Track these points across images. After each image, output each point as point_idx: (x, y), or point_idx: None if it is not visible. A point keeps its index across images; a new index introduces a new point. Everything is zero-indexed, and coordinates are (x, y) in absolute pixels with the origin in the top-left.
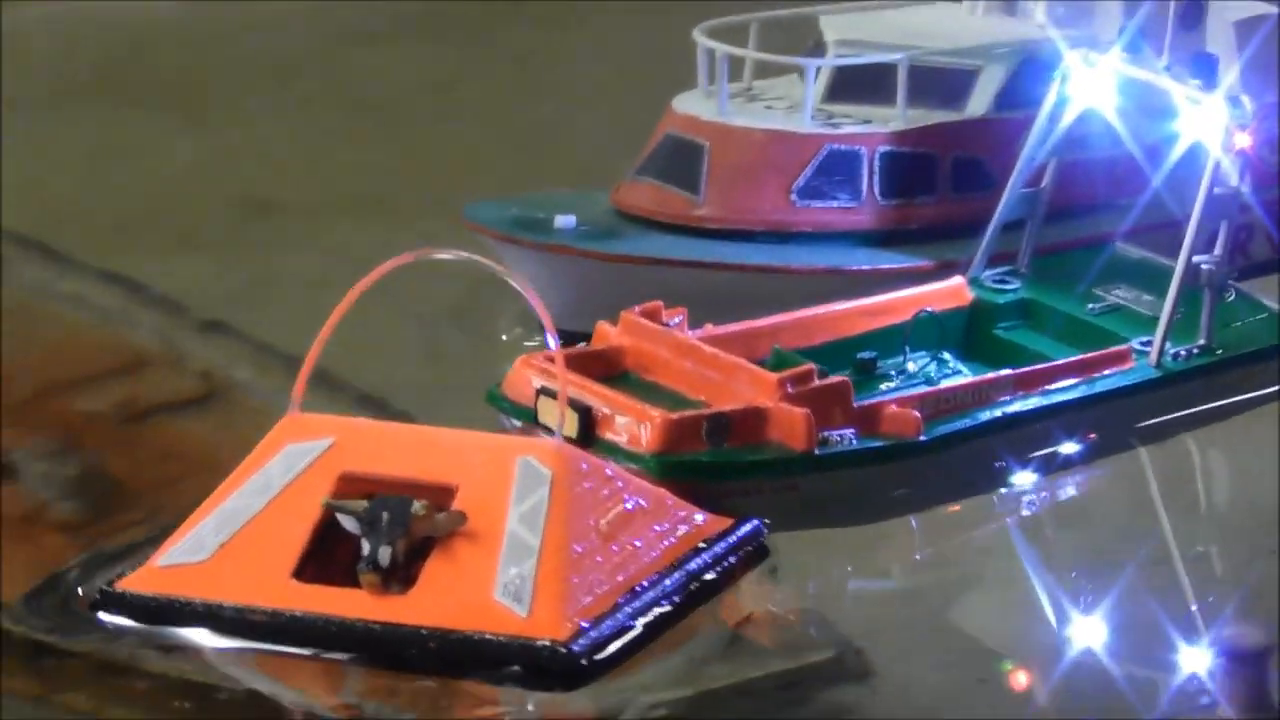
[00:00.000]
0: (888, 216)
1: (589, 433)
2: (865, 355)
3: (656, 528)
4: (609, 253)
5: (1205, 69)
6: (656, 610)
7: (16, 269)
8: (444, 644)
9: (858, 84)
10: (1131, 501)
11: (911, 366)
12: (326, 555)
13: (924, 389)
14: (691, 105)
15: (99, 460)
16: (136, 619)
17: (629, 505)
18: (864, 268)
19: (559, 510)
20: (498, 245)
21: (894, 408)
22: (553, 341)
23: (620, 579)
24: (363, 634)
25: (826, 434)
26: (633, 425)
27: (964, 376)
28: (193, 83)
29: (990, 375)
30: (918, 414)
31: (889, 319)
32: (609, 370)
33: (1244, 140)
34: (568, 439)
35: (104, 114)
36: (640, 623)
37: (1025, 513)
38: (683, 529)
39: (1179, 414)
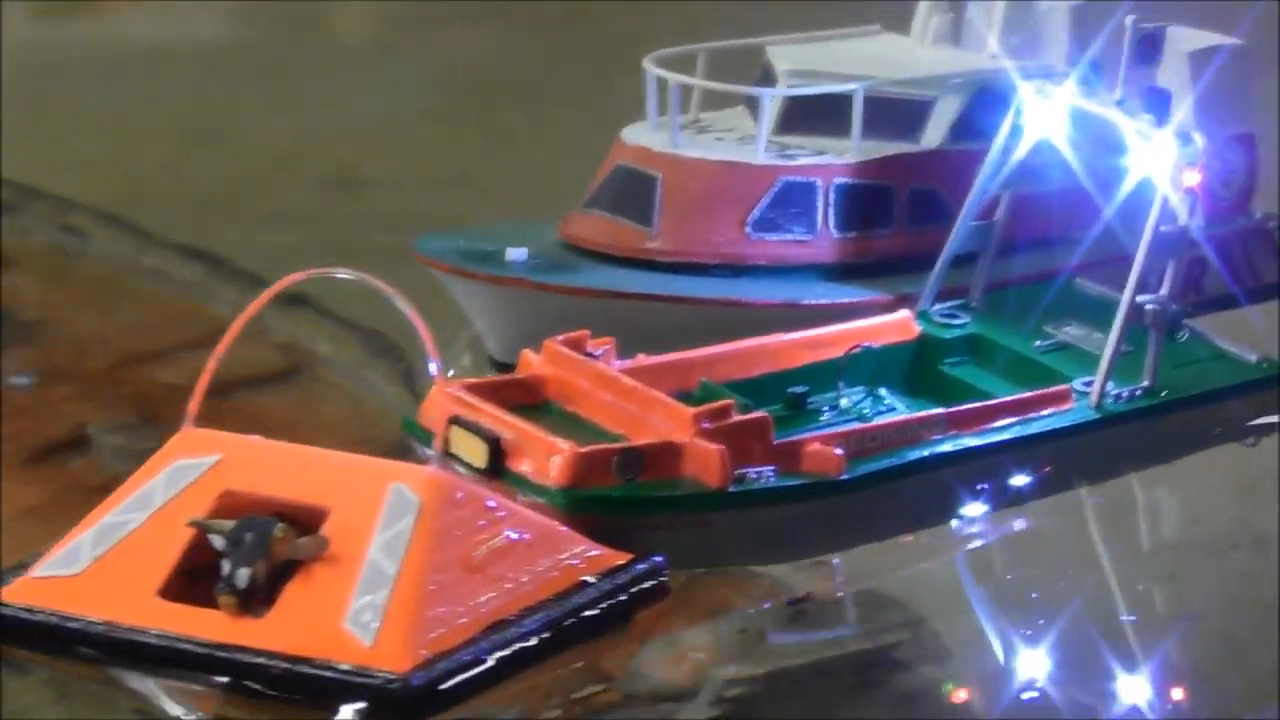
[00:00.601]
0: (843, 249)
1: (498, 464)
2: (796, 390)
3: (540, 561)
4: (561, 285)
5: (1157, 103)
6: (518, 645)
7: (99, 244)
8: (287, 670)
9: (811, 115)
10: (1069, 544)
11: (845, 402)
12: (199, 577)
13: (847, 426)
14: (642, 136)
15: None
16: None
17: (509, 537)
18: (820, 302)
19: (422, 539)
20: (449, 279)
21: (815, 445)
22: (434, 367)
23: (485, 612)
24: (209, 656)
25: (743, 471)
26: (542, 458)
27: (898, 414)
28: (285, 60)
29: (921, 414)
30: (840, 452)
31: (829, 353)
32: (530, 399)
33: (1193, 178)
34: (478, 470)
35: (195, 90)
36: (496, 657)
37: (958, 552)
38: (570, 563)
39: (1120, 457)
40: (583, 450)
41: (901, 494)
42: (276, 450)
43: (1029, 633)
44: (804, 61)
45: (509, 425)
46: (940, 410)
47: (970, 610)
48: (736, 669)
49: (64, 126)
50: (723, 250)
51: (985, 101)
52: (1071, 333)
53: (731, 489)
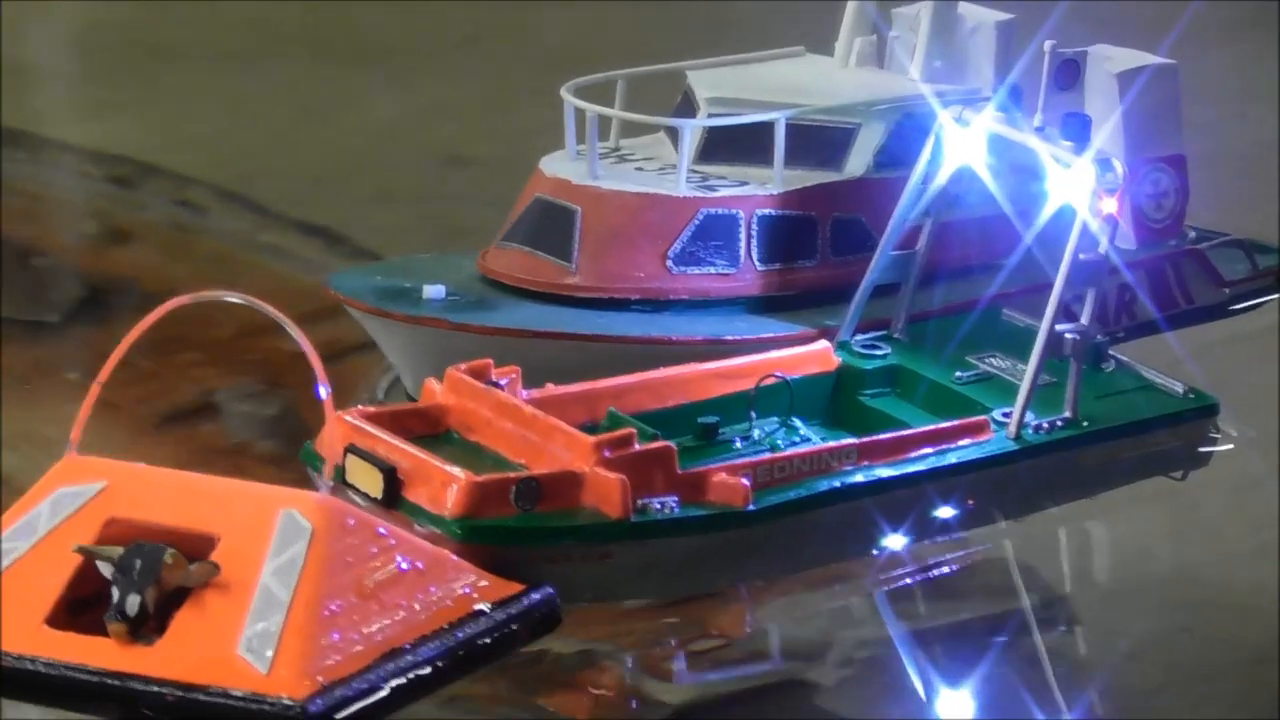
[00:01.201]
0: (767, 282)
1: (394, 494)
2: (706, 420)
3: (431, 590)
4: (479, 325)
5: (1076, 129)
6: (414, 673)
7: (217, 220)
8: (180, 698)
9: (733, 144)
10: (986, 578)
11: (757, 434)
12: (86, 605)
13: (755, 457)
14: (560, 168)
15: (299, 400)
16: None
17: (401, 565)
18: (743, 337)
19: (315, 566)
20: (365, 318)
21: (721, 475)
22: (324, 392)
23: (379, 639)
24: (100, 685)
25: (646, 501)
26: (438, 487)
27: (811, 444)
28: (394, 41)
29: (831, 444)
30: (746, 482)
31: (743, 383)
32: (430, 429)
33: (1111, 205)
34: (374, 500)
35: (307, 70)
36: (391, 685)
37: (870, 589)
38: (462, 592)
39: (1040, 489)
40: (478, 479)
41: (812, 526)
42: (163, 477)
43: None
44: (725, 88)
45: (405, 454)
46: (852, 440)
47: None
48: (863, 631)
49: (182, 103)
50: (644, 285)
51: (909, 128)
52: (996, 364)
53: (633, 519)
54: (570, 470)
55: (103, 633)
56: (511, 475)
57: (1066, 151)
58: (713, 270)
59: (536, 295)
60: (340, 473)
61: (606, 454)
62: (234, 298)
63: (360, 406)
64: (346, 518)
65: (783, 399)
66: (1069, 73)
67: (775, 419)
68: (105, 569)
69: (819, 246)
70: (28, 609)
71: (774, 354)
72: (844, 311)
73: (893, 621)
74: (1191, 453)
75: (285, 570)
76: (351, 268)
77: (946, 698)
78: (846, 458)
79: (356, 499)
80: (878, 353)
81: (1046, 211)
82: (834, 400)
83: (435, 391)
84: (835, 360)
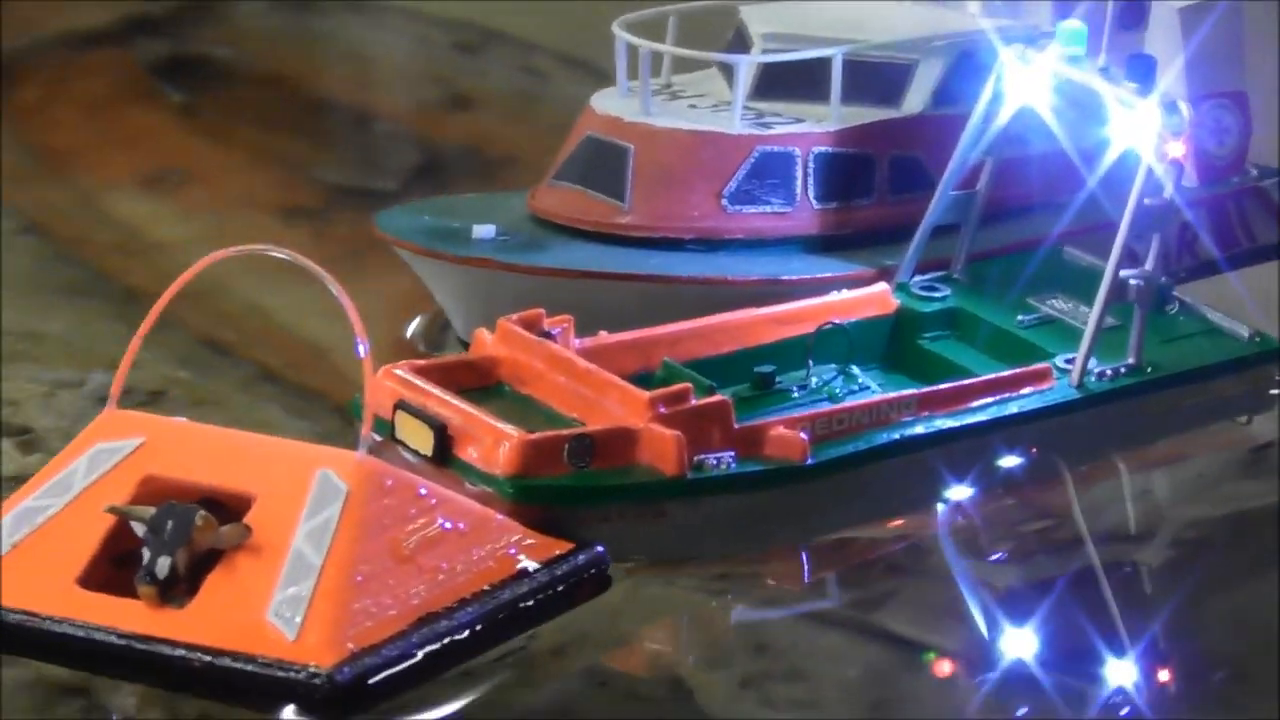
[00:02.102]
0: (824, 221)
1: (445, 451)
2: (763, 369)
3: (474, 551)
4: (532, 265)
5: (1141, 71)
6: (450, 638)
7: (559, 87)
8: (205, 663)
9: (788, 80)
10: (1054, 523)
11: (815, 382)
12: (121, 564)
13: (813, 409)
14: (612, 105)
15: None
16: None
17: (443, 526)
18: (801, 277)
19: (349, 528)
20: (413, 258)
21: (779, 429)
22: (363, 349)
23: (416, 604)
24: (127, 648)
25: (702, 457)
26: (490, 445)
27: (871, 394)
28: None
29: (891, 395)
30: (804, 436)
31: (800, 328)
32: (481, 381)
33: (1177, 149)
34: (424, 457)
35: None
36: (425, 651)
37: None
38: (507, 553)
39: (1103, 438)
40: (531, 437)
41: (871, 479)
42: (201, 433)
43: None
44: (780, 24)
45: (456, 410)
46: (912, 391)
47: None
48: (1194, 512)
49: None
50: (698, 225)
51: (968, 65)
52: (1058, 306)
53: (689, 476)
54: (625, 427)
55: (134, 594)
56: (565, 433)
57: (1131, 93)
58: (768, 209)
59: (589, 235)
60: (389, 428)
61: (662, 410)
62: (278, 253)
63: (409, 360)
64: (385, 478)
65: (840, 345)
66: (1134, 12)
67: (833, 366)
68: (137, 529)
69: (876, 185)
70: (61, 569)
71: (831, 297)
72: (902, 251)
73: (955, 561)
74: (1258, 396)
75: (319, 533)
76: (397, 206)
77: (1011, 634)
78: (906, 408)
79: (407, 456)
80: (937, 295)
81: (1111, 155)
82: (892, 343)
83: (486, 342)
84: (894, 303)
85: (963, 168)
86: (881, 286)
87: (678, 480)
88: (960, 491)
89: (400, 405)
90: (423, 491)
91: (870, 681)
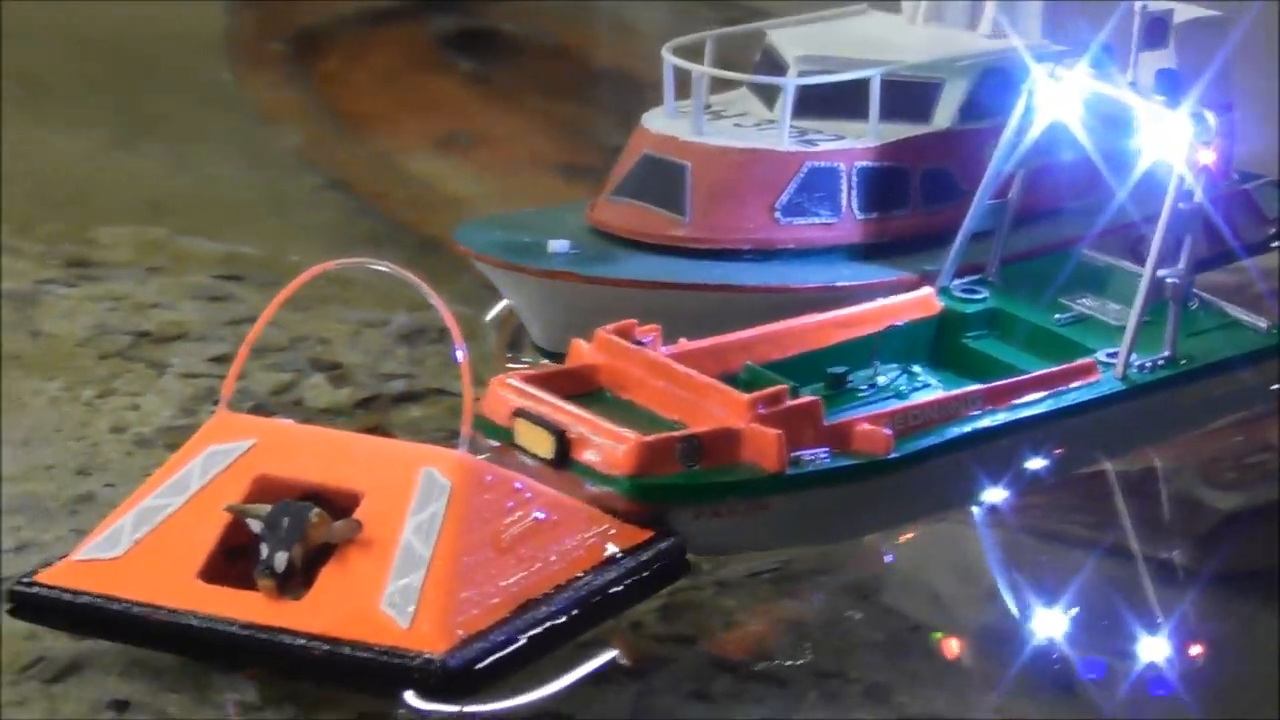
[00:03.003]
0: (865, 230)
1: (564, 455)
2: (837, 370)
3: (566, 540)
4: (613, 278)
5: (1170, 85)
6: (549, 624)
7: None
8: (325, 652)
9: (824, 99)
10: (1097, 514)
11: (882, 380)
12: (236, 559)
13: (894, 406)
14: (664, 124)
15: None
16: (42, 615)
17: (537, 517)
18: (856, 283)
19: (454, 522)
20: (495, 271)
21: (865, 425)
22: (460, 355)
23: (515, 591)
24: (249, 638)
25: (798, 454)
26: (607, 448)
27: (933, 390)
28: None
29: (959, 391)
30: (888, 431)
31: (858, 330)
32: (582, 389)
33: (1207, 156)
34: (544, 460)
35: None
36: (527, 636)
37: (998, 526)
38: (595, 541)
39: (1142, 428)
40: (647, 440)
41: (946, 470)
42: (310, 435)
43: None
44: (812, 47)
45: (573, 416)
46: (978, 386)
47: None
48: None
49: None
50: (754, 236)
51: (990, 82)
52: (1087, 304)
53: (789, 472)
54: (729, 427)
55: (251, 586)
56: (676, 434)
57: (1161, 106)
58: (817, 220)
59: (651, 247)
60: (505, 435)
61: (762, 410)
62: (381, 266)
63: (518, 370)
64: (485, 474)
65: (895, 344)
66: (1158, 30)
67: (895, 365)
68: (254, 525)
69: (910, 196)
70: (182, 564)
71: (884, 301)
72: (934, 257)
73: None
74: (1261, 392)
75: (426, 527)
76: (467, 222)
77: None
78: (973, 403)
79: (525, 460)
80: (977, 296)
81: (1143, 164)
82: (937, 343)
83: (584, 352)
84: (938, 305)
85: (997, 178)
86: (927, 290)
87: (780, 476)
88: (1015, 481)
89: (519, 413)
90: (518, 485)
91: None
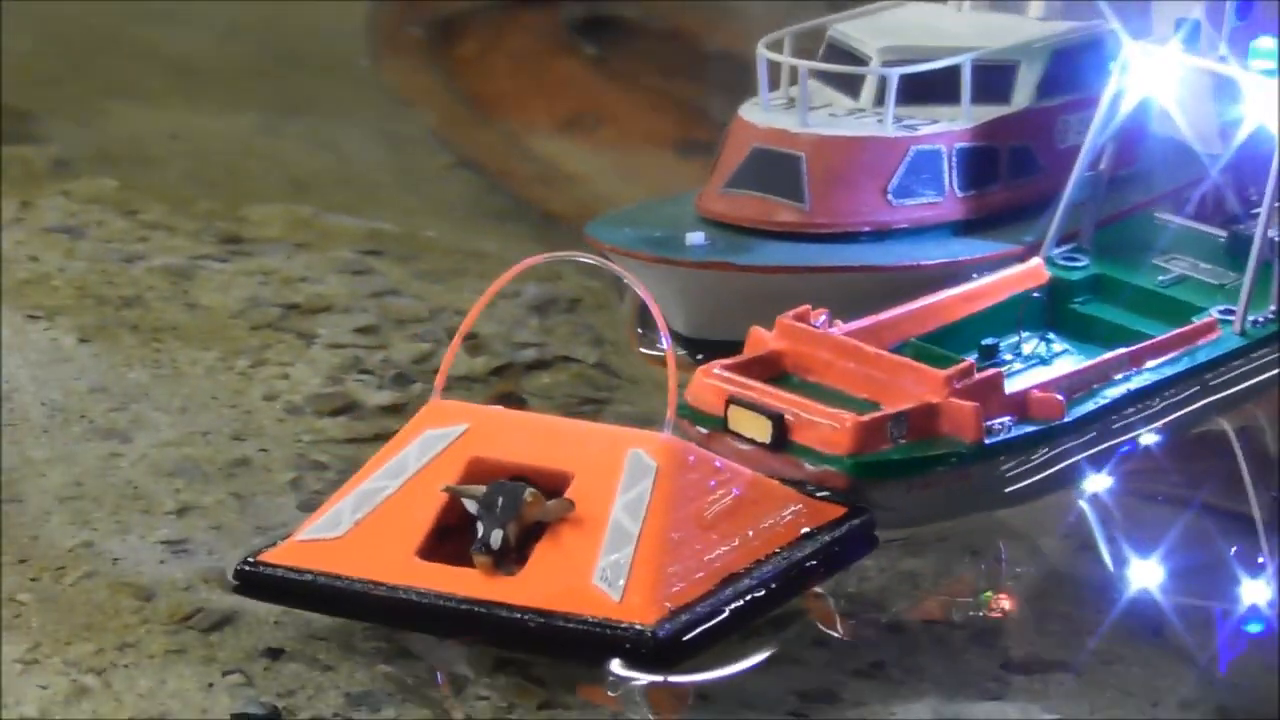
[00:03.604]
0: (965, 208)
1: (782, 438)
2: (989, 341)
3: (764, 517)
4: (765, 265)
5: (1264, 55)
6: (750, 596)
7: None
8: (540, 624)
9: (911, 86)
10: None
11: (1028, 349)
12: (451, 537)
13: (1060, 372)
14: (766, 117)
15: None
16: (270, 593)
17: (734, 494)
18: (973, 257)
19: (661, 500)
20: (641, 265)
21: (1038, 392)
22: (666, 342)
23: (718, 566)
24: (470, 613)
25: (989, 424)
26: (826, 428)
27: (1069, 355)
28: None
29: (1109, 355)
30: (1061, 397)
31: (984, 303)
32: (770, 374)
33: None
34: (761, 444)
35: None
36: (731, 609)
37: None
38: (790, 518)
39: (1257, 380)
40: (864, 419)
41: (1109, 429)
42: (519, 419)
43: None
44: (891, 38)
45: (785, 401)
46: (1124, 350)
47: None
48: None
49: None
50: (870, 218)
51: (1060, 62)
52: (1180, 265)
53: (986, 442)
54: (929, 403)
55: (466, 563)
56: (887, 412)
57: (1260, 77)
58: (924, 200)
59: (775, 234)
60: (717, 421)
61: (957, 384)
62: (586, 258)
63: (715, 361)
64: (688, 455)
65: (1014, 313)
66: (1247, 3)
67: (1032, 333)
68: (469, 505)
69: (1000, 172)
70: (401, 542)
71: (1001, 274)
72: (1028, 228)
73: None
74: None
75: (634, 505)
76: (597, 221)
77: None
78: (1121, 366)
79: (740, 446)
80: (1079, 264)
81: (1243, 132)
82: (1047, 310)
83: (765, 338)
84: (1046, 274)
85: (1094, 151)
86: (1036, 261)
87: (980, 446)
88: (1152, 438)
89: (733, 400)
90: (718, 465)
91: None
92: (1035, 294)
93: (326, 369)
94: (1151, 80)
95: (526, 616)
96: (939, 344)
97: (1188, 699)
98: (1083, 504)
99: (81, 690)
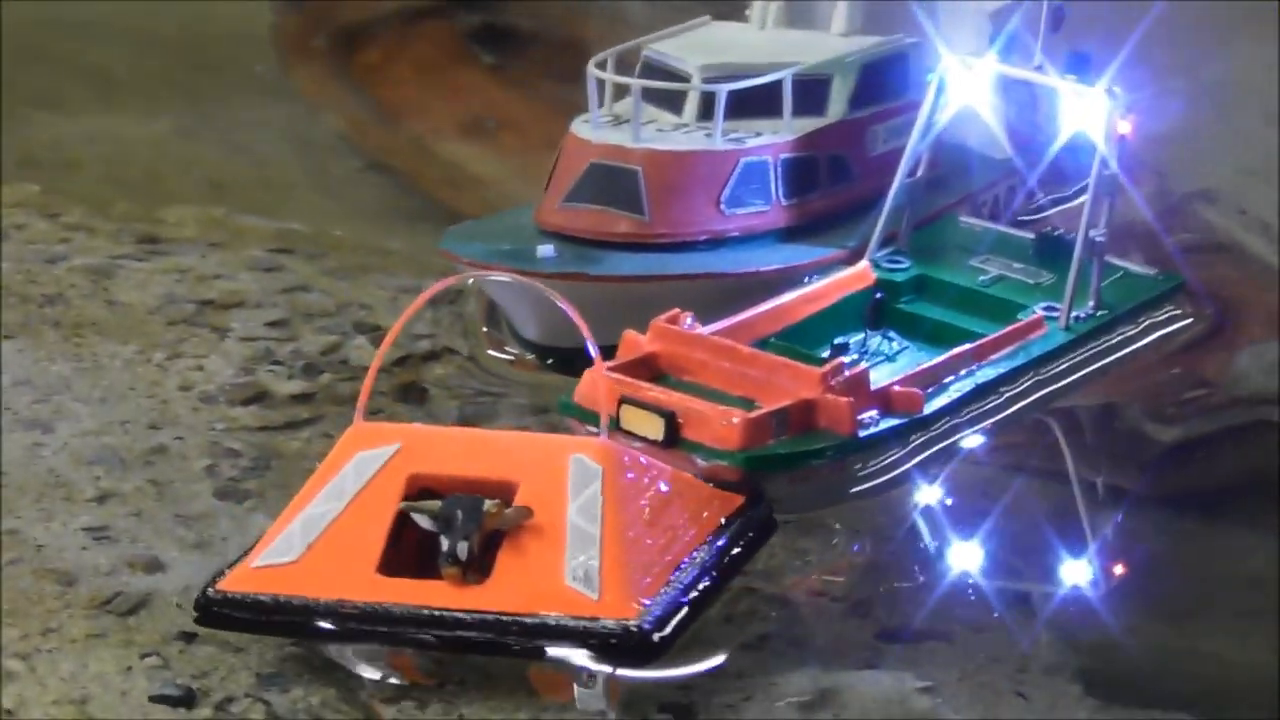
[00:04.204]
0: (790, 215)
1: (673, 435)
2: (840, 340)
3: (688, 510)
4: (615, 275)
5: (1080, 65)
6: (700, 585)
7: None
8: (526, 628)
9: (732, 102)
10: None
11: (873, 345)
12: (399, 553)
13: (918, 367)
14: (600, 134)
15: None
16: (239, 617)
17: (664, 490)
18: (806, 261)
19: (611, 501)
20: (491, 277)
21: (900, 387)
22: (593, 350)
23: (667, 559)
24: (452, 621)
25: (859, 418)
26: (716, 426)
27: (909, 352)
28: None
29: (955, 351)
30: (920, 391)
31: (823, 304)
32: (648, 375)
33: (1125, 127)
34: (652, 441)
35: None
36: (690, 598)
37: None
38: (708, 509)
39: (1080, 373)
40: (752, 416)
41: (958, 420)
42: (450, 434)
43: None
44: (709, 56)
45: (675, 400)
46: (969, 346)
47: None
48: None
49: None
50: (706, 227)
51: (868, 75)
52: (994, 265)
53: (859, 435)
54: (807, 399)
55: (425, 576)
56: (772, 409)
57: (1077, 84)
58: (754, 209)
59: (618, 245)
60: (614, 421)
61: (831, 382)
62: (502, 278)
63: (599, 364)
64: (624, 456)
65: (851, 313)
66: (1058, 17)
67: (874, 332)
68: (423, 521)
69: (820, 180)
70: (359, 561)
71: (837, 275)
72: (847, 234)
73: None
74: (1170, 325)
75: (588, 508)
76: (447, 236)
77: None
78: (966, 361)
79: (633, 444)
80: (901, 265)
81: (1063, 137)
82: (874, 309)
83: (640, 342)
84: (873, 276)
85: (914, 159)
86: (864, 263)
87: (853, 439)
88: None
89: (625, 399)
90: (645, 463)
91: None
92: (878, 295)
93: (239, 360)
94: (969, 90)
95: (510, 620)
96: (793, 341)
97: (1051, 664)
98: (945, 487)
99: (8, 675)
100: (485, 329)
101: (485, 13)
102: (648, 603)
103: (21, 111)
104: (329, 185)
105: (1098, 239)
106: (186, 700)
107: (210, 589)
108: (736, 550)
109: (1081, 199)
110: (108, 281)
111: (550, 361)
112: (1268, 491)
